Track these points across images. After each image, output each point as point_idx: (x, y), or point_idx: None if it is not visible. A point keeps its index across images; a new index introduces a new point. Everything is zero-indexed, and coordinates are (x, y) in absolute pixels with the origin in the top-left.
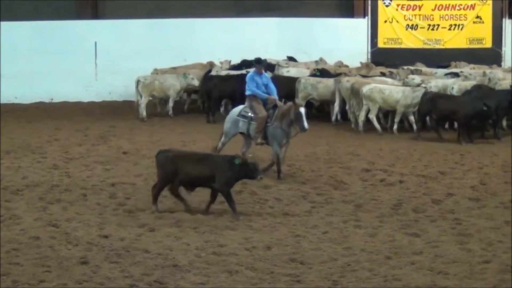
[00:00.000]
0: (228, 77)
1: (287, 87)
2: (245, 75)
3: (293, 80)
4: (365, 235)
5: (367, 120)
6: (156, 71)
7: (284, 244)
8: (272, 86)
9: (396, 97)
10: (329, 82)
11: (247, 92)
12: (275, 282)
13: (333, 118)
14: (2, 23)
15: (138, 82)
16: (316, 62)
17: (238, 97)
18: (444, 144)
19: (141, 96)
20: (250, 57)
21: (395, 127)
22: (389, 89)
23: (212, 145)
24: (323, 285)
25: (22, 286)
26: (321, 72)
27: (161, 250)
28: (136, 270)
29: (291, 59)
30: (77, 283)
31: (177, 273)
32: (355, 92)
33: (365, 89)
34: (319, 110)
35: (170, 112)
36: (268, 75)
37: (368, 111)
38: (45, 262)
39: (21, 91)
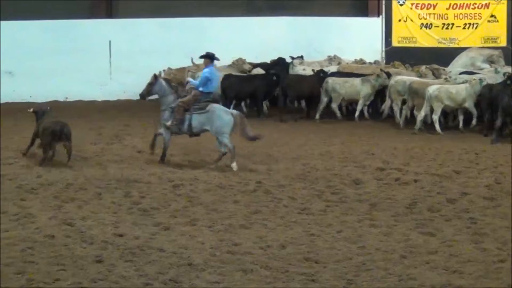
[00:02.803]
0: (246, 76)
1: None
2: (265, 75)
3: (302, 78)
4: (380, 234)
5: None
6: (170, 71)
7: (298, 243)
8: None
9: (463, 95)
10: (356, 81)
11: None
12: (289, 281)
13: (357, 114)
14: (17, 22)
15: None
16: (330, 59)
17: (259, 97)
18: (459, 143)
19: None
20: (262, 57)
21: (461, 124)
22: (455, 87)
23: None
24: (337, 284)
25: (37, 285)
26: (323, 72)
27: (176, 249)
28: (151, 269)
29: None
30: (92, 281)
31: (192, 272)
32: (413, 91)
33: (431, 90)
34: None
35: None
36: (207, 70)
37: (431, 112)
38: (60, 261)
39: (36, 89)
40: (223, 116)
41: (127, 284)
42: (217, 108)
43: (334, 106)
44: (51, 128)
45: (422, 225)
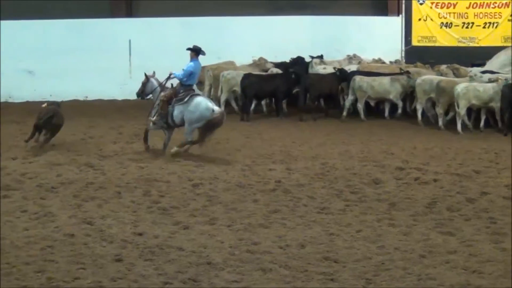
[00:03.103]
0: (266, 75)
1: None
2: (285, 74)
3: (323, 77)
4: (399, 234)
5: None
6: None
7: (318, 242)
8: None
9: (489, 93)
10: (384, 80)
11: None
12: (308, 281)
13: (386, 113)
14: (37, 21)
15: (221, 76)
16: (349, 58)
17: (279, 96)
18: (479, 142)
19: (221, 91)
20: (282, 56)
21: (481, 124)
22: (483, 86)
23: (244, 142)
24: (357, 283)
25: (57, 283)
26: (340, 72)
27: (195, 248)
28: (170, 268)
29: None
30: (111, 280)
31: (211, 271)
32: (441, 90)
33: (459, 88)
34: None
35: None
36: (192, 64)
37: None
38: (80, 259)
39: (56, 89)
40: (204, 111)
41: (147, 283)
42: (202, 101)
43: (360, 106)
44: (45, 110)
45: (442, 224)
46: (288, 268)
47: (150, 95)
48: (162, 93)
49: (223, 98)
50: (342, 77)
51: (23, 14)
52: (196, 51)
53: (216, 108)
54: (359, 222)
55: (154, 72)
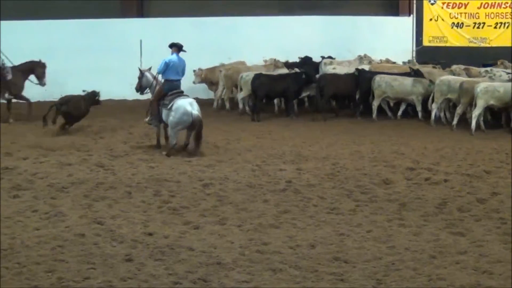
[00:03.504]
0: (276, 75)
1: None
2: (296, 74)
3: (340, 77)
4: (409, 234)
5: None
6: (201, 71)
7: (328, 242)
8: None
9: (510, 93)
10: (406, 80)
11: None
12: (319, 281)
13: (399, 113)
14: (49, 21)
15: (241, 77)
16: (360, 58)
17: (289, 97)
18: (489, 142)
19: (241, 91)
20: (293, 56)
21: None
22: (503, 86)
23: (254, 142)
24: (367, 284)
25: (67, 283)
26: (359, 72)
27: (205, 247)
28: (180, 268)
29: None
30: (121, 280)
31: (221, 271)
32: (464, 91)
33: (479, 88)
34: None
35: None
36: (169, 56)
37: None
38: (90, 259)
39: (67, 88)
40: (182, 117)
41: (157, 283)
42: (180, 106)
43: (375, 105)
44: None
45: (452, 225)
46: (298, 268)
47: (148, 89)
48: (157, 88)
49: (240, 97)
50: (359, 78)
51: (35, 14)
52: (177, 47)
53: (195, 112)
54: (369, 222)
55: (150, 68)
